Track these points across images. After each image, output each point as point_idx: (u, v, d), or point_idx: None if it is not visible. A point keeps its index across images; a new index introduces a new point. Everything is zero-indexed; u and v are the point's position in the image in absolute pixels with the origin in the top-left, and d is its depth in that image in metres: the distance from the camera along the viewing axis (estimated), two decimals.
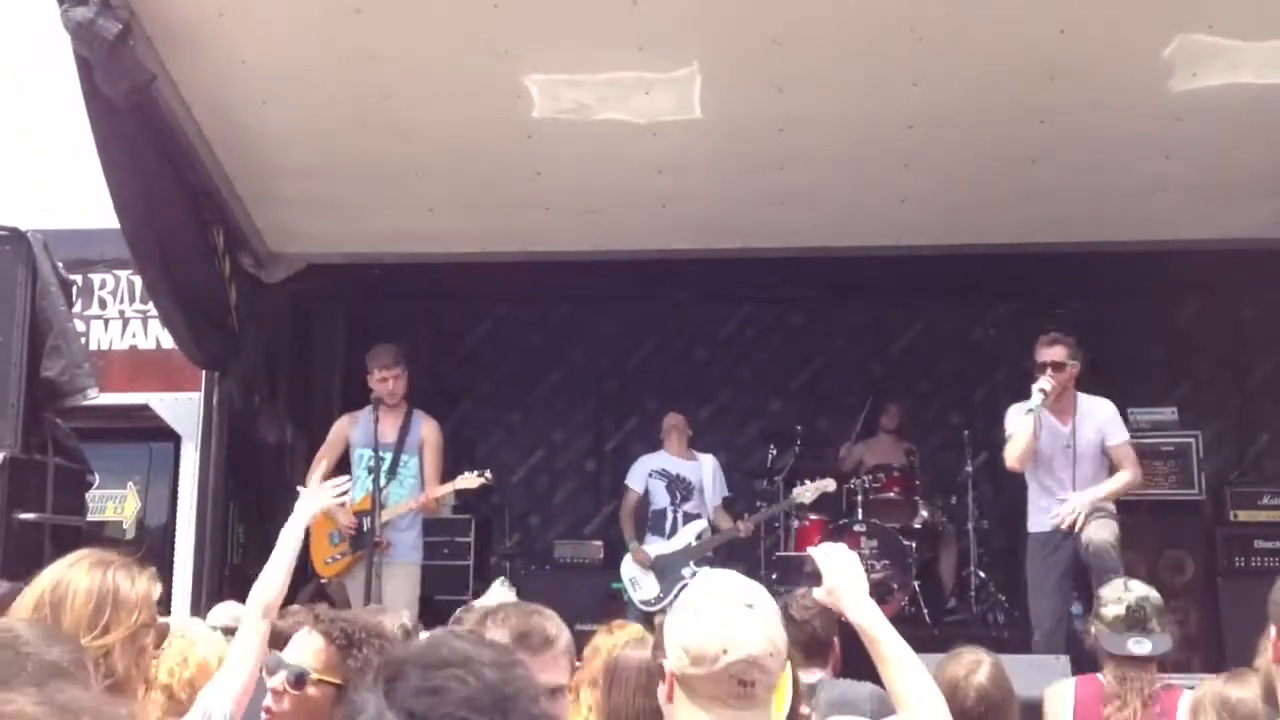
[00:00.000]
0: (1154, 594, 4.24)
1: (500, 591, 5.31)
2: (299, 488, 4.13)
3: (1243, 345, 9.19)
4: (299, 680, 2.76)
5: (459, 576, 8.57)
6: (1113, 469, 6.36)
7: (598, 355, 9.79)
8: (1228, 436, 9.03)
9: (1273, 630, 2.33)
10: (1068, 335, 6.38)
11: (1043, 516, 6.37)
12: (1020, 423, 6.23)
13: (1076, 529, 6.13)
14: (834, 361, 9.61)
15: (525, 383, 9.89)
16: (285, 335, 8.45)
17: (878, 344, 9.59)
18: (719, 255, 7.83)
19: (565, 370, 9.88)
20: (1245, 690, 3.09)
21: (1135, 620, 4.13)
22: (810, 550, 2.89)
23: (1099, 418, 6.38)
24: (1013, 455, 6.32)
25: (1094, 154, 6.53)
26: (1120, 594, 4.23)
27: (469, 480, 6.89)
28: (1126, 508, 6.62)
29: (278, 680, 2.81)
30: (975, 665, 3.53)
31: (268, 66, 6.03)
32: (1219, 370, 9.22)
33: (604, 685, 2.88)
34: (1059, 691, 4.28)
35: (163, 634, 2.92)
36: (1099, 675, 4.22)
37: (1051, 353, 6.27)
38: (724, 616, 2.16)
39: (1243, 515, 7.96)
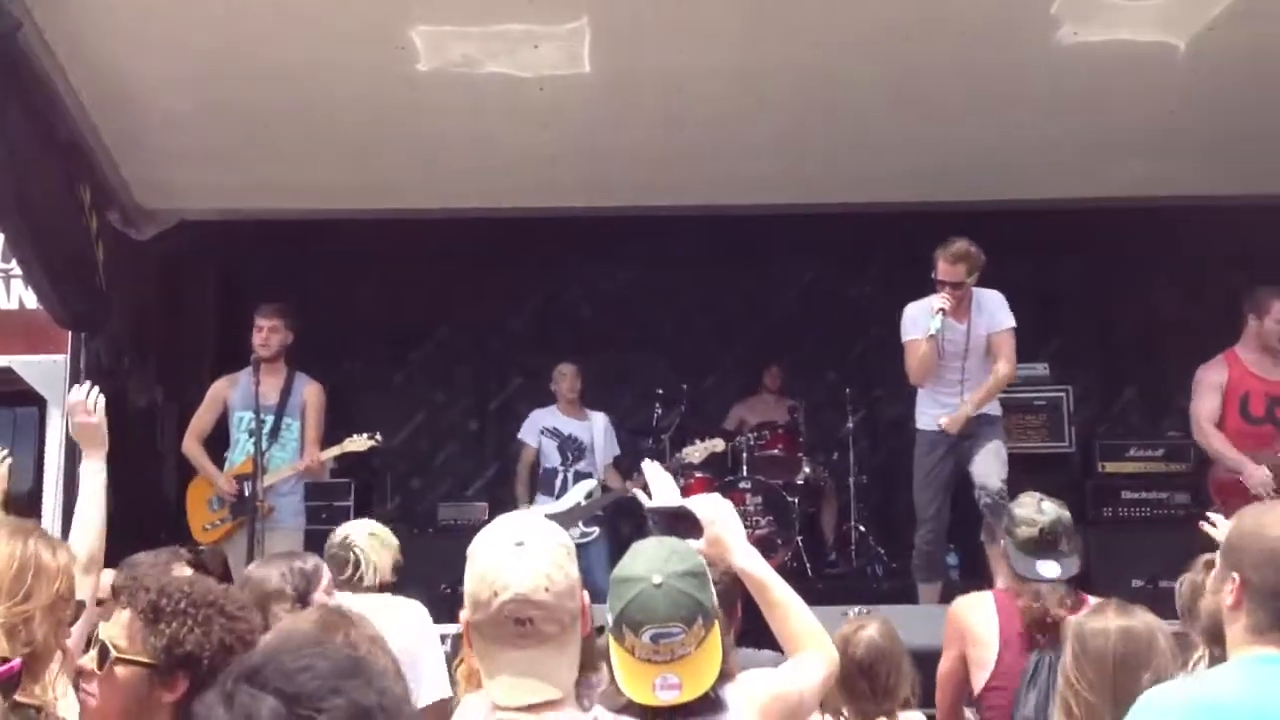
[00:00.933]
0: (1066, 514, 4.21)
1: None
2: None
3: (1110, 302, 9.49)
4: (100, 658, 2.45)
5: None
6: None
7: (481, 314, 9.67)
8: (1096, 391, 9.33)
9: (1236, 577, 2.34)
10: (970, 244, 6.35)
11: (931, 414, 6.55)
12: (920, 345, 6.30)
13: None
14: (718, 321, 9.65)
15: (406, 343, 9.73)
16: (155, 295, 8.18)
17: (761, 303, 9.65)
18: (605, 213, 7.79)
19: (448, 330, 9.75)
20: (1099, 622, 3.16)
21: (1047, 542, 4.12)
22: (686, 502, 2.91)
23: (990, 308, 6.48)
24: (915, 376, 6.46)
25: (976, 113, 6.62)
26: (1034, 516, 4.17)
27: (358, 442, 6.77)
28: None
29: (87, 659, 2.52)
30: (864, 622, 3.69)
31: (138, 11, 5.77)
32: (1087, 327, 9.51)
33: None
34: (976, 602, 4.25)
35: (78, 611, 2.78)
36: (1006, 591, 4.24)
37: (953, 272, 6.28)
38: (494, 559, 2.18)
39: (1110, 467, 8.22)
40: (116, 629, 2.46)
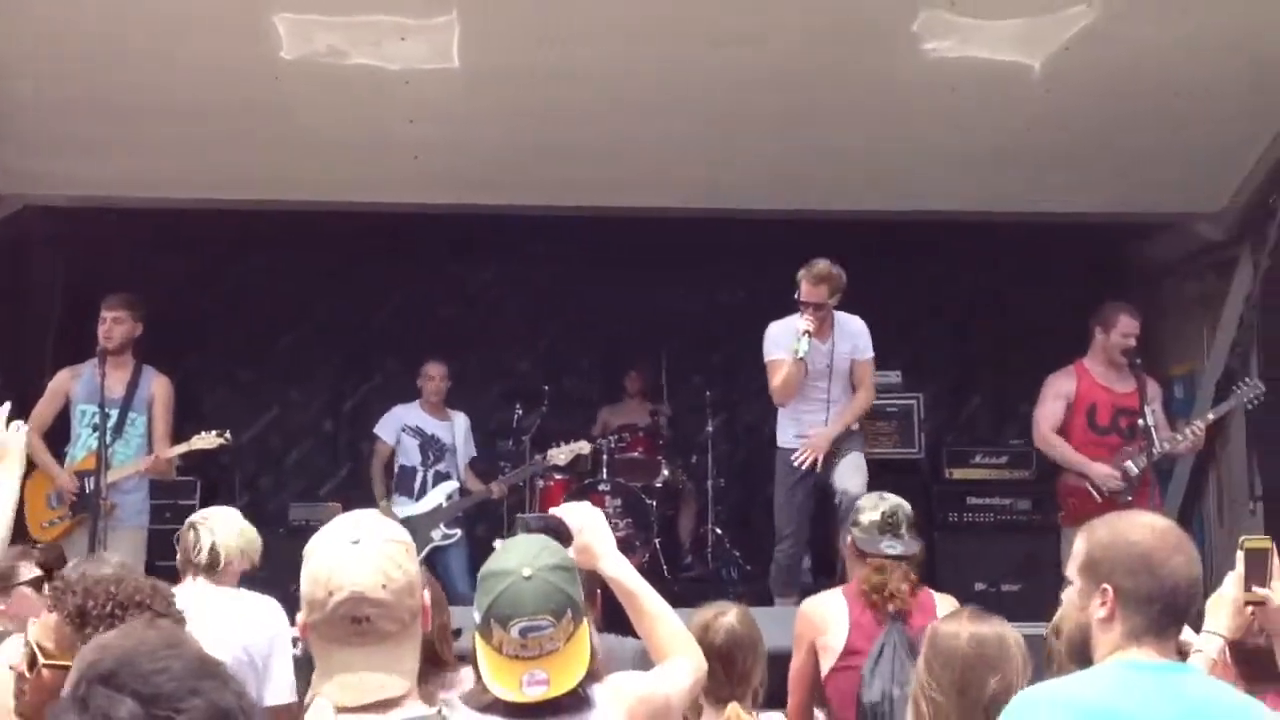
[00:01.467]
0: (905, 504, 4.65)
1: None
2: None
3: (962, 312, 9.75)
4: (30, 662, 2.52)
5: None
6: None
7: (339, 310, 9.48)
8: (945, 399, 9.57)
9: (1109, 588, 2.36)
10: (832, 265, 6.49)
11: (792, 433, 6.66)
12: (787, 365, 6.42)
13: (818, 468, 6.52)
14: (583, 322, 9.64)
15: (260, 338, 9.48)
16: None
17: (626, 305, 9.67)
18: (469, 210, 7.73)
19: (304, 326, 9.52)
20: (952, 626, 3.26)
21: (889, 526, 4.53)
22: (555, 510, 2.91)
23: (853, 334, 6.68)
24: (780, 395, 6.58)
25: (840, 123, 6.73)
26: (877, 503, 4.64)
27: (206, 440, 6.56)
28: None
29: (17, 660, 2.58)
30: (724, 610, 3.79)
31: None
32: (940, 336, 9.75)
33: None
34: (825, 597, 4.57)
35: None
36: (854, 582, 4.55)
37: (816, 293, 6.42)
38: (329, 558, 2.14)
39: (957, 473, 8.41)
40: (44, 632, 2.53)
